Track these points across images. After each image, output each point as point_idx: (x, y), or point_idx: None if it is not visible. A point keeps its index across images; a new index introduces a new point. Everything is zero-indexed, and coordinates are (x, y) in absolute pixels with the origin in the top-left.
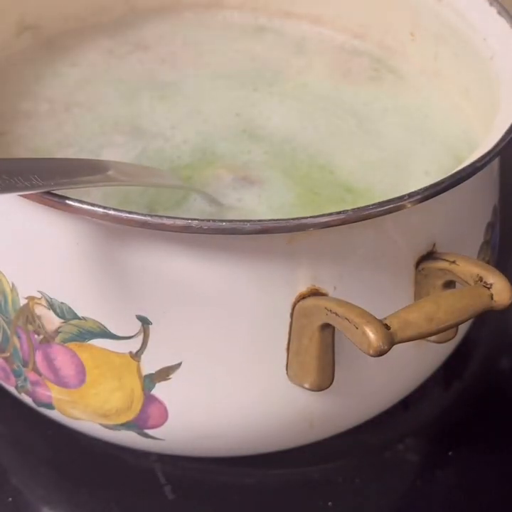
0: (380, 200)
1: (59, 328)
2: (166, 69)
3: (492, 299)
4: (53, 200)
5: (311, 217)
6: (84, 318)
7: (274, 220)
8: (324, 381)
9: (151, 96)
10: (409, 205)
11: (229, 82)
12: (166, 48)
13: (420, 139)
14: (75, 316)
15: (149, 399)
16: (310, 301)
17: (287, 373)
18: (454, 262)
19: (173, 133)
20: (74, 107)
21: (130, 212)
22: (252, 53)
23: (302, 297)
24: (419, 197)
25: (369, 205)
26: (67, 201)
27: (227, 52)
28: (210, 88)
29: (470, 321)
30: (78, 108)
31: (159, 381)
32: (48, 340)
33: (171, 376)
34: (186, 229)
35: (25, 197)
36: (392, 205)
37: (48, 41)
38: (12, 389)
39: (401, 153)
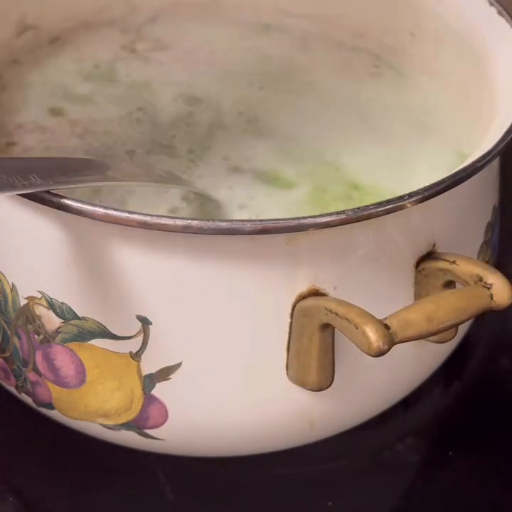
0: (387, 196)
1: (59, 328)
2: (173, 67)
3: (492, 299)
4: (53, 199)
5: (311, 217)
6: (84, 318)
7: (274, 220)
8: (324, 381)
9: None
10: (409, 205)
11: (236, 80)
12: (174, 46)
13: (424, 135)
14: (75, 316)
15: (149, 399)
16: (310, 301)
17: (287, 373)
18: (454, 262)
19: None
20: (80, 106)
21: (130, 212)
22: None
23: (302, 297)
24: (419, 197)
25: (369, 205)
26: (67, 201)
27: (237, 50)
28: (218, 85)
29: (470, 321)
30: (82, 106)
31: (159, 381)
32: (48, 340)
33: (171, 376)
34: (186, 229)
35: (24, 196)
36: (392, 205)
37: (49, 41)
38: (12, 389)
39: (406, 149)
